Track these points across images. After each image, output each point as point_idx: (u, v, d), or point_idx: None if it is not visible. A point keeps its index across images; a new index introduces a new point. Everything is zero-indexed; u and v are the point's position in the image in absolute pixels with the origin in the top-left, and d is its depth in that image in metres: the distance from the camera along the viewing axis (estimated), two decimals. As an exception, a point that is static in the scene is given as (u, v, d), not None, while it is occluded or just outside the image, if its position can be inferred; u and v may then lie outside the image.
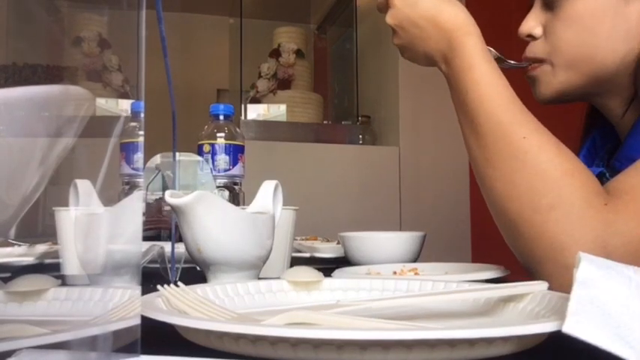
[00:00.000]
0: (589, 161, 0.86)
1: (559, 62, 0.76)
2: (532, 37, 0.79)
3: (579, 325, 0.30)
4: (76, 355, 0.30)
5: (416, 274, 0.78)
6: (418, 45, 0.72)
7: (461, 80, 0.67)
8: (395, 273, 0.78)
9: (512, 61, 0.80)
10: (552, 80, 0.78)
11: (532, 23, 0.80)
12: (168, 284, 0.44)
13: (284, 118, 2.60)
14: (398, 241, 0.91)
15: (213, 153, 1.08)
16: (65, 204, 0.64)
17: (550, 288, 0.46)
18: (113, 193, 0.95)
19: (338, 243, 1.10)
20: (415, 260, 0.91)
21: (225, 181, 1.09)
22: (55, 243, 0.87)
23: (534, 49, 0.79)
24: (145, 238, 0.87)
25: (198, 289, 0.48)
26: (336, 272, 0.71)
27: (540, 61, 0.79)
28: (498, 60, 0.75)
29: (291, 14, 3.14)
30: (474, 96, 0.65)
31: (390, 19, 0.74)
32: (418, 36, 0.71)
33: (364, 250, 0.90)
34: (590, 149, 0.87)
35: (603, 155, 0.86)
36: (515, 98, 0.65)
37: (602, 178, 0.74)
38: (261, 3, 3.22)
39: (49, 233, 0.78)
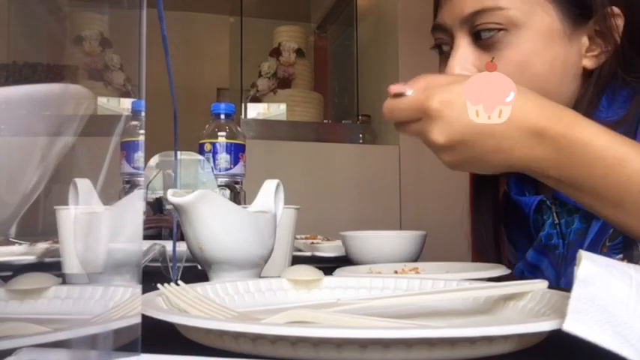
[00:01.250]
0: (520, 191, 0.83)
1: None
2: None
3: (580, 324, 0.30)
4: (77, 353, 0.30)
5: (417, 273, 0.78)
6: (495, 159, 0.56)
7: (590, 176, 0.55)
8: (396, 272, 0.78)
9: None
10: None
11: (461, 65, 0.69)
12: (169, 283, 0.44)
13: (284, 117, 2.61)
14: (399, 241, 0.91)
15: (215, 152, 1.08)
16: (66, 203, 0.64)
17: None
18: (114, 191, 0.95)
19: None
20: (416, 259, 0.91)
21: (227, 180, 1.09)
22: (56, 242, 0.87)
23: None
24: (146, 237, 0.87)
25: (199, 287, 0.48)
26: (337, 271, 0.71)
27: None
28: None
29: (291, 13, 3.14)
30: (616, 179, 0.54)
31: (439, 136, 0.54)
32: (496, 148, 0.55)
33: (365, 250, 0.90)
34: (520, 178, 0.83)
35: (532, 180, 0.80)
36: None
37: None
38: (261, 2, 3.22)
39: (50, 232, 0.78)
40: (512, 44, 0.68)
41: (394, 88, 0.58)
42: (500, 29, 0.68)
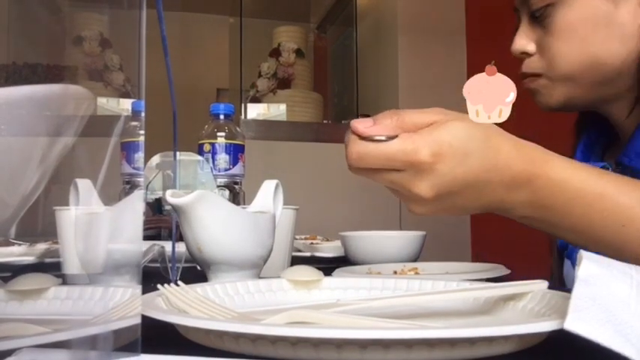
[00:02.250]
0: (586, 157, 0.85)
1: (557, 76, 0.75)
2: (526, 54, 0.78)
3: (580, 322, 0.30)
4: (77, 354, 0.30)
5: (416, 273, 0.78)
6: (473, 205, 0.56)
7: (569, 215, 0.55)
8: (395, 272, 0.78)
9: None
10: (552, 93, 0.77)
11: (523, 41, 0.78)
12: (169, 283, 0.44)
13: (284, 118, 2.61)
14: (398, 241, 0.91)
15: (214, 152, 1.08)
16: (66, 203, 0.64)
17: None
18: (114, 192, 0.95)
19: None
20: (415, 260, 0.91)
21: (226, 180, 1.09)
22: (56, 242, 0.87)
23: (531, 65, 0.78)
24: (146, 238, 0.87)
25: (198, 288, 0.48)
26: (337, 272, 0.71)
27: (537, 75, 0.78)
28: None
29: (291, 13, 3.14)
30: (596, 216, 0.54)
31: (428, 190, 0.52)
32: (477, 196, 0.54)
33: (365, 250, 0.90)
34: (587, 144, 0.86)
35: (599, 151, 0.85)
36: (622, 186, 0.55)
37: None
38: (261, 2, 3.22)
39: (50, 232, 0.78)
40: (559, 15, 0.73)
41: (363, 129, 0.51)
42: (548, 4, 0.74)
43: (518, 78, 0.81)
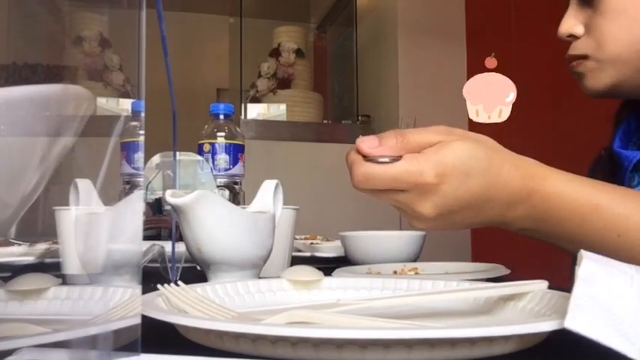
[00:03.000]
0: (624, 144, 0.83)
1: (605, 58, 0.74)
2: (573, 37, 0.78)
3: (581, 321, 0.30)
4: (77, 353, 0.30)
5: (416, 273, 0.78)
6: (472, 222, 0.57)
7: (566, 227, 0.56)
8: (395, 272, 0.78)
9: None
10: (600, 75, 0.76)
11: (572, 22, 0.77)
12: (169, 283, 0.44)
13: (284, 118, 2.61)
14: (398, 241, 0.91)
15: (214, 152, 1.08)
16: (66, 203, 0.64)
17: None
18: (114, 192, 0.95)
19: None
20: (415, 260, 0.91)
21: (226, 180, 1.09)
22: (56, 242, 0.87)
23: (578, 47, 0.77)
24: (146, 238, 0.87)
25: (198, 288, 0.48)
26: (337, 272, 0.71)
27: (583, 57, 0.77)
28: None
29: (291, 13, 3.14)
30: (593, 227, 0.55)
31: (430, 210, 0.52)
32: (477, 214, 0.55)
33: (364, 250, 0.90)
34: (626, 132, 0.85)
35: (637, 140, 0.83)
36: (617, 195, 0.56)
37: None
38: (261, 2, 3.22)
39: (50, 232, 0.78)
40: None
41: (368, 150, 0.52)
42: None
43: (565, 61, 0.79)
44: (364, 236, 0.92)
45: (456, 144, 0.52)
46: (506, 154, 0.56)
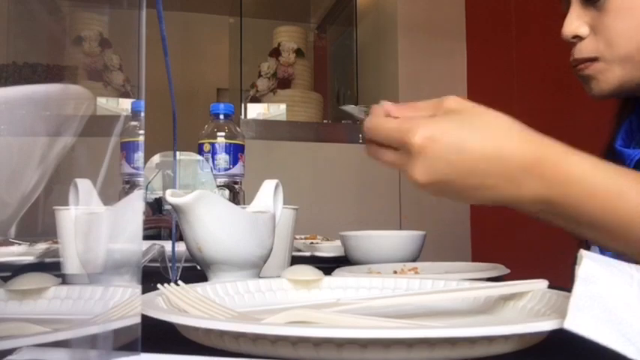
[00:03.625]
0: (626, 143, 0.83)
1: (614, 57, 0.74)
2: (578, 38, 0.77)
3: (580, 321, 0.30)
4: (77, 353, 0.30)
5: (416, 273, 0.78)
6: (480, 195, 0.53)
7: (587, 212, 0.52)
8: (395, 272, 0.78)
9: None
10: (609, 76, 0.75)
11: (576, 23, 0.76)
12: (169, 283, 0.44)
13: (284, 118, 2.61)
14: (398, 240, 0.91)
15: (214, 152, 1.08)
16: (65, 203, 0.64)
17: None
18: (113, 192, 0.95)
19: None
20: (415, 259, 0.91)
21: (226, 180, 1.09)
22: (56, 242, 0.87)
23: (583, 49, 0.76)
24: (146, 237, 0.87)
25: (199, 287, 0.48)
26: (336, 271, 0.71)
27: (591, 60, 0.76)
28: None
29: (291, 13, 3.14)
30: (616, 214, 0.52)
31: (421, 175, 0.50)
32: (478, 186, 0.52)
33: (365, 249, 0.90)
34: (628, 131, 0.84)
35: None
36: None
37: None
38: (261, 2, 3.22)
39: (50, 232, 0.78)
40: None
41: (386, 106, 0.53)
42: None
43: (568, 66, 0.78)
44: (364, 236, 0.92)
45: (462, 114, 0.51)
46: (518, 126, 0.52)
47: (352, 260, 0.90)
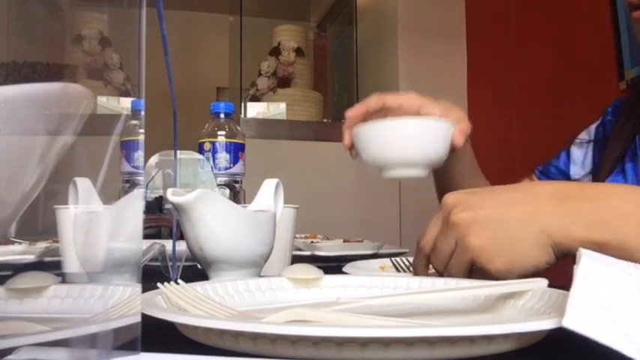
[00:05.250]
0: None
1: None
2: None
3: (579, 320, 0.30)
4: (77, 352, 0.30)
5: None
6: (529, 226, 0.52)
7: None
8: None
9: None
10: None
11: None
12: (169, 282, 0.44)
13: (284, 117, 2.61)
14: (420, 130, 0.75)
15: (214, 151, 1.08)
16: (65, 202, 0.64)
17: None
18: (113, 191, 0.95)
19: (345, 241, 1.10)
20: (440, 161, 0.77)
21: (226, 179, 1.09)
22: (56, 241, 0.87)
23: None
24: (146, 236, 0.87)
25: (198, 286, 0.48)
26: (347, 267, 0.72)
27: None
28: None
29: (291, 12, 3.14)
30: None
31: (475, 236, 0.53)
32: (523, 211, 0.52)
33: (379, 144, 0.76)
34: None
35: None
36: None
37: None
38: (261, 1, 3.22)
39: (50, 231, 0.78)
40: None
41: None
42: None
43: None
44: (379, 127, 0.76)
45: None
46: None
47: (366, 161, 0.78)
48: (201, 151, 1.08)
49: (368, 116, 0.74)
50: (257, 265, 0.64)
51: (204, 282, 0.51)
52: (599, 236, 0.49)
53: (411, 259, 0.83)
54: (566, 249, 0.51)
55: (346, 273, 0.68)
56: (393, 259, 0.83)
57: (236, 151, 1.09)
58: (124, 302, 0.41)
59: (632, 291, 0.33)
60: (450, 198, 0.56)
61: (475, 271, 0.54)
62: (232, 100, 1.96)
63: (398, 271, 0.78)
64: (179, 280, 0.45)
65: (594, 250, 0.46)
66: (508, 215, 0.52)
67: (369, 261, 0.82)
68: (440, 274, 0.57)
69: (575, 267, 0.35)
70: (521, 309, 0.45)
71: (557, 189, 0.53)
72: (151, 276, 0.57)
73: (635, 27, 0.76)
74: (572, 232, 0.50)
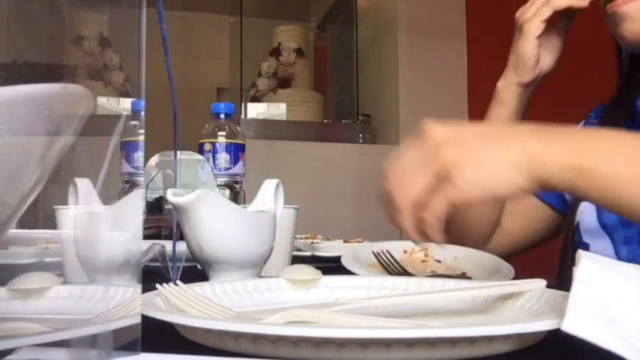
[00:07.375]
0: None
1: None
2: None
3: (578, 323, 0.30)
4: (77, 353, 0.30)
5: (426, 255, 0.78)
6: (505, 147, 0.49)
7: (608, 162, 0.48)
8: (405, 252, 0.78)
9: None
10: None
11: None
12: (169, 283, 0.44)
13: (284, 117, 2.61)
14: None
15: (214, 152, 1.08)
16: (65, 202, 0.64)
17: None
18: (113, 191, 0.95)
19: (345, 242, 1.10)
20: None
21: (226, 179, 1.09)
22: (56, 241, 0.87)
23: None
24: (146, 237, 0.87)
25: (197, 287, 0.48)
26: (343, 258, 0.72)
27: None
28: None
29: (291, 13, 3.14)
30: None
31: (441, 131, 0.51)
32: (503, 134, 0.50)
33: None
34: None
35: None
36: None
37: None
38: (261, 1, 3.22)
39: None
40: None
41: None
42: None
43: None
44: None
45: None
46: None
47: None
48: (201, 151, 1.08)
49: None
50: (257, 266, 0.64)
51: (203, 283, 0.51)
52: (582, 161, 0.47)
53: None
54: (546, 173, 0.47)
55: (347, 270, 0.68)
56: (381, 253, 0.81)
57: (236, 151, 1.09)
58: (124, 303, 0.41)
59: (632, 293, 0.33)
60: (436, 129, 0.51)
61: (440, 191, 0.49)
62: (232, 101, 1.95)
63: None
64: (177, 281, 0.45)
65: (576, 177, 0.46)
66: (489, 134, 0.50)
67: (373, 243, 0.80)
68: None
69: (574, 268, 0.35)
70: (520, 310, 0.45)
71: (543, 127, 0.50)
72: (151, 276, 0.57)
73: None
74: (554, 151, 0.47)
